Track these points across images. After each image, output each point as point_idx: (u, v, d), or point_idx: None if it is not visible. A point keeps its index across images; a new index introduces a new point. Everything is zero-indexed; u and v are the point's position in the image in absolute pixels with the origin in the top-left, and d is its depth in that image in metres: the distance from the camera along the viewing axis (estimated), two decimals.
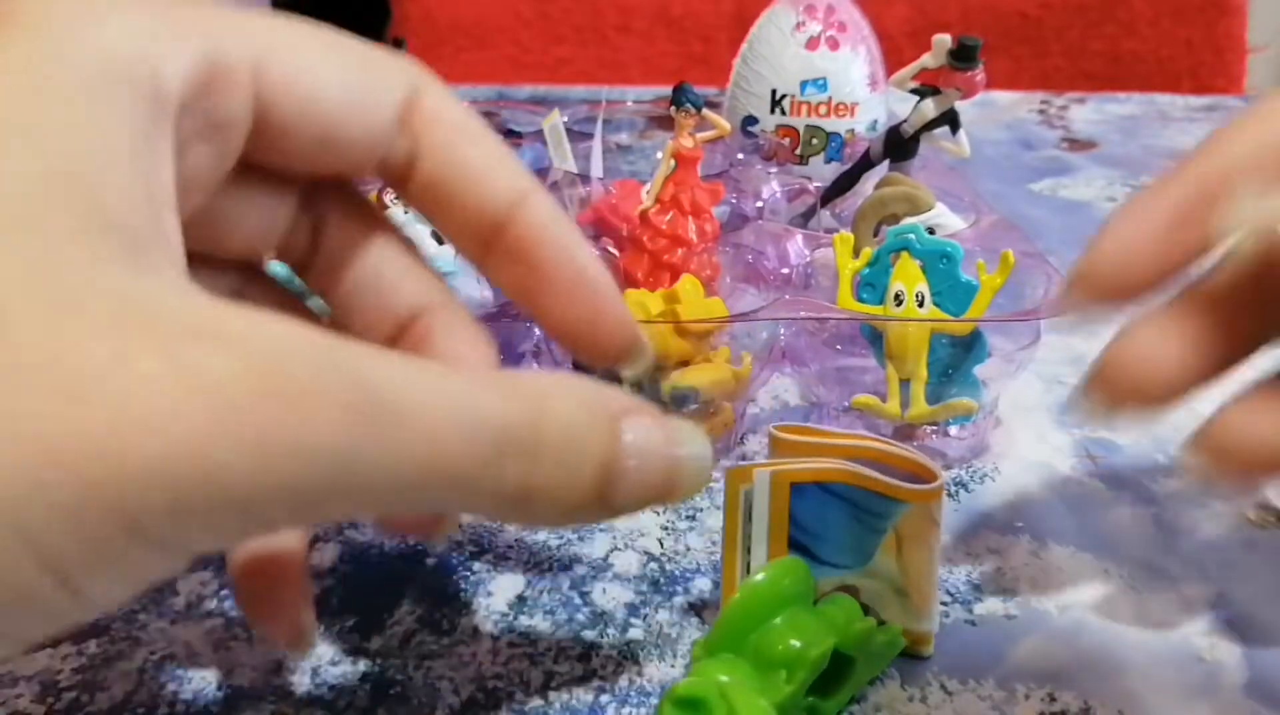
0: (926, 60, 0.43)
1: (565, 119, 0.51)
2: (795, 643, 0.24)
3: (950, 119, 0.45)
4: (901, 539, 0.26)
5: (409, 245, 0.24)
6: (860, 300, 0.36)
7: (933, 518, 0.26)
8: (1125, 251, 0.21)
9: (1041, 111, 0.80)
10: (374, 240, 0.23)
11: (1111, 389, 0.20)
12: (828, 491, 0.27)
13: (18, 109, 0.15)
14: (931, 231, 0.37)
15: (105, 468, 0.13)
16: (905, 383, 0.37)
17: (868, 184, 0.46)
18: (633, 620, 0.30)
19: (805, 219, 0.47)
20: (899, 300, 0.35)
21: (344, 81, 0.20)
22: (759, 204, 0.47)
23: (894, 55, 0.53)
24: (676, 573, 0.32)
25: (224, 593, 0.32)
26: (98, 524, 0.13)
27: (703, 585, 0.31)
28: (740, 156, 0.52)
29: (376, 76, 0.21)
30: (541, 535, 0.34)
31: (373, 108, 0.20)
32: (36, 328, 0.14)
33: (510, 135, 0.54)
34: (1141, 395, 0.20)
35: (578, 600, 0.31)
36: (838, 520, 0.26)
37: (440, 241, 0.37)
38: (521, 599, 0.31)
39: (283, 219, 0.22)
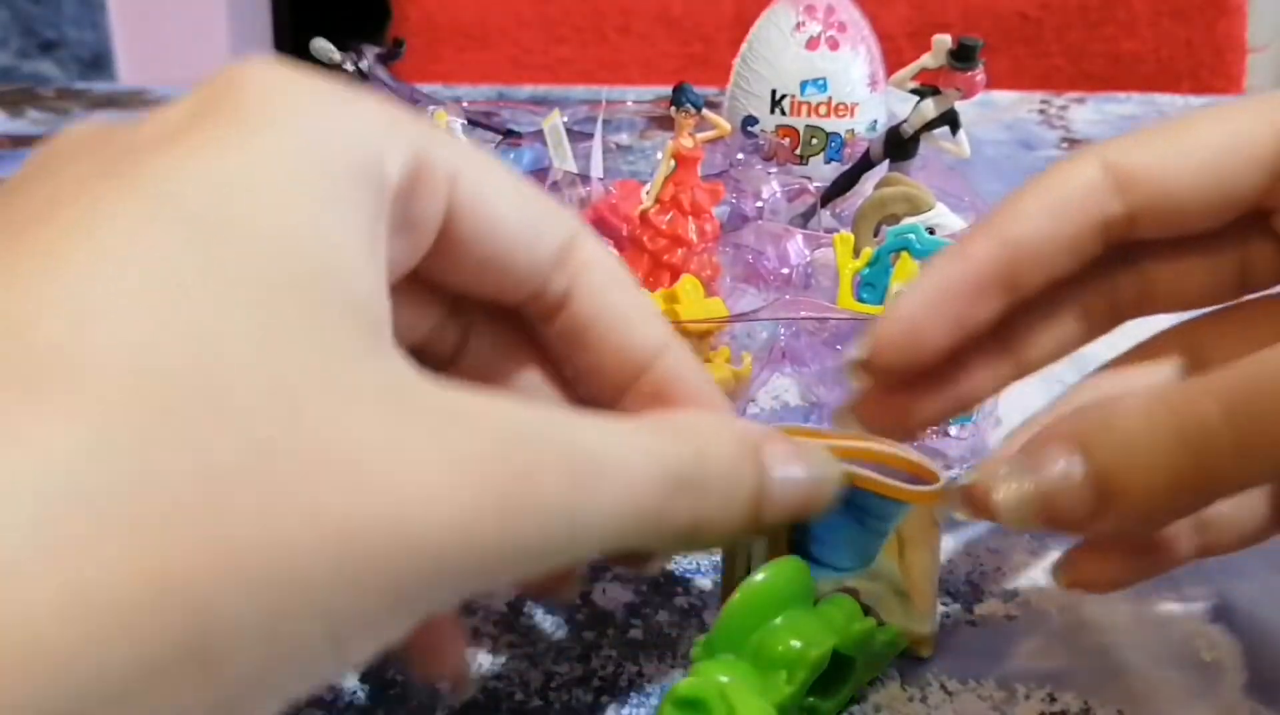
0: (926, 60, 0.43)
1: (565, 119, 0.51)
2: (795, 643, 0.24)
3: (950, 119, 0.45)
4: (903, 541, 0.26)
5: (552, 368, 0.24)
6: (860, 300, 0.36)
7: (934, 519, 0.26)
8: (908, 332, 0.23)
9: (1041, 112, 0.80)
10: (521, 355, 0.24)
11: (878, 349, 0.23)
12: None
13: (274, 203, 0.16)
14: (931, 231, 0.37)
15: (389, 546, 0.14)
16: None
17: (868, 184, 0.46)
18: (632, 621, 0.30)
19: (805, 219, 0.47)
20: None
21: (522, 209, 0.21)
22: (759, 204, 0.47)
23: (894, 55, 0.53)
24: (676, 573, 0.32)
25: None
26: (378, 598, 0.15)
27: (703, 585, 0.31)
28: (740, 156, 0.52)
29: (548, 212, 0.22)
30: None
31: (542, 240, 0.21)
32: (323, 415, 0.15)
33: (510, 135, 0.54)
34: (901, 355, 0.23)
35: (577, 601, 0.31)
36: (839, 522, 0.26)
37: None
38: (521, 599, 0.31)
39: (429, 321, 0.23)
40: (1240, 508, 0.25)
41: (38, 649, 0.12)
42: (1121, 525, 0.21)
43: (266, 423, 0.14)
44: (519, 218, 0.21)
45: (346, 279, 0.16)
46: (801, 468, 0.21)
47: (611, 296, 0.22)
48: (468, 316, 0.23)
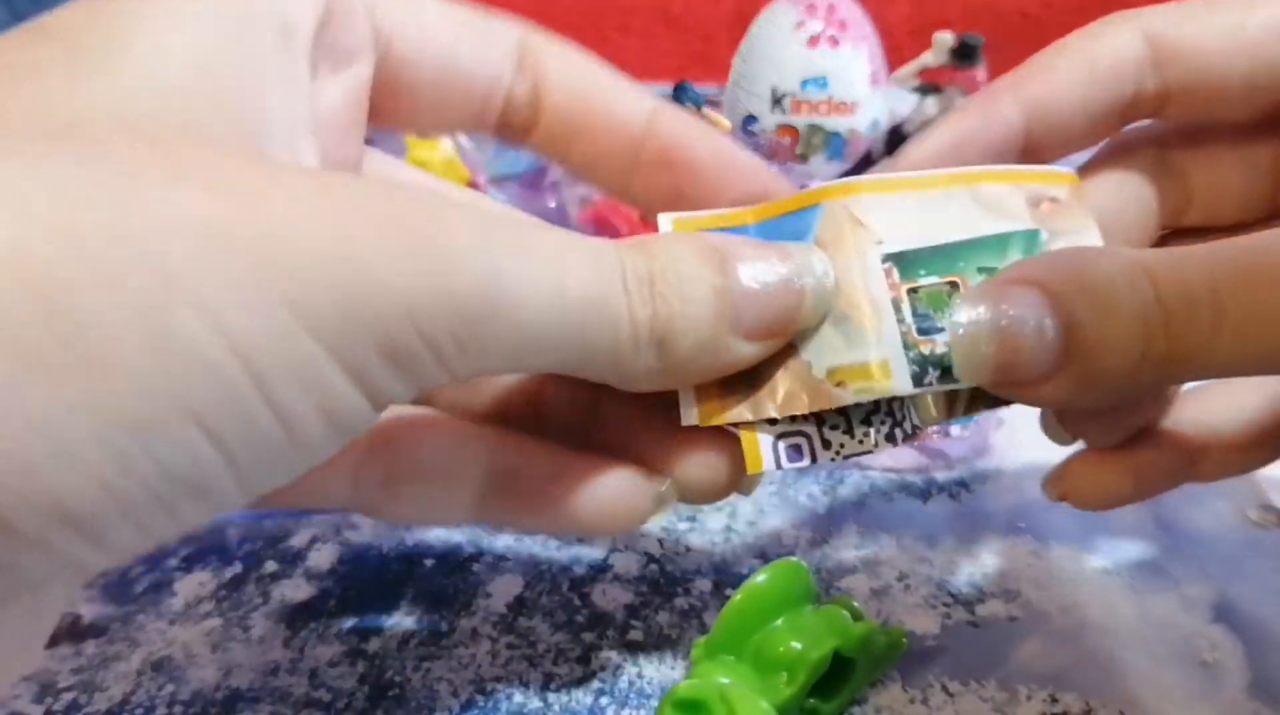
0: (928, 59, 0.43)
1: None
2: (796, 645, 0.24)
3: None
4: (825, 250, 0.21)
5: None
6: None
7: (851, 215, 0.20)
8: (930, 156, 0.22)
9: None
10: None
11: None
12: (735, 234, 0.22)
13: (172, 35, 0.16)
14: None
15: (276, 252, 0.14)
16: None
17: None
18: (632, 622, 0.30)
19: None
20: None
21: (458, 25, 0.21)
22: None
23: (895, 53, 0.53)
24: (676, 574, 0.32)
25: (223, 593, 0.31)
26: (280, 316, 0.14)
27: (703, 586, 0.31)
28: None
29: (487, 23, 0.21)
30: (539, 536, 0.34)
31: (489, 50, 0.21)
32: (203, 156, 0.15)
33: None
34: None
35: (577, 602, 0.31)
36: None
37: None
38: (521, 600, 0.31)
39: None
40: (1230, 415, 0.25)
41: None
42: (1078, 389, 0.19)
43: (119, 149, 0.15)
44: (455, 33, 0.21)
45: (241, 111, 0.17)
46: (779, 263, 0.19)
47: (579, 82, 0.22)
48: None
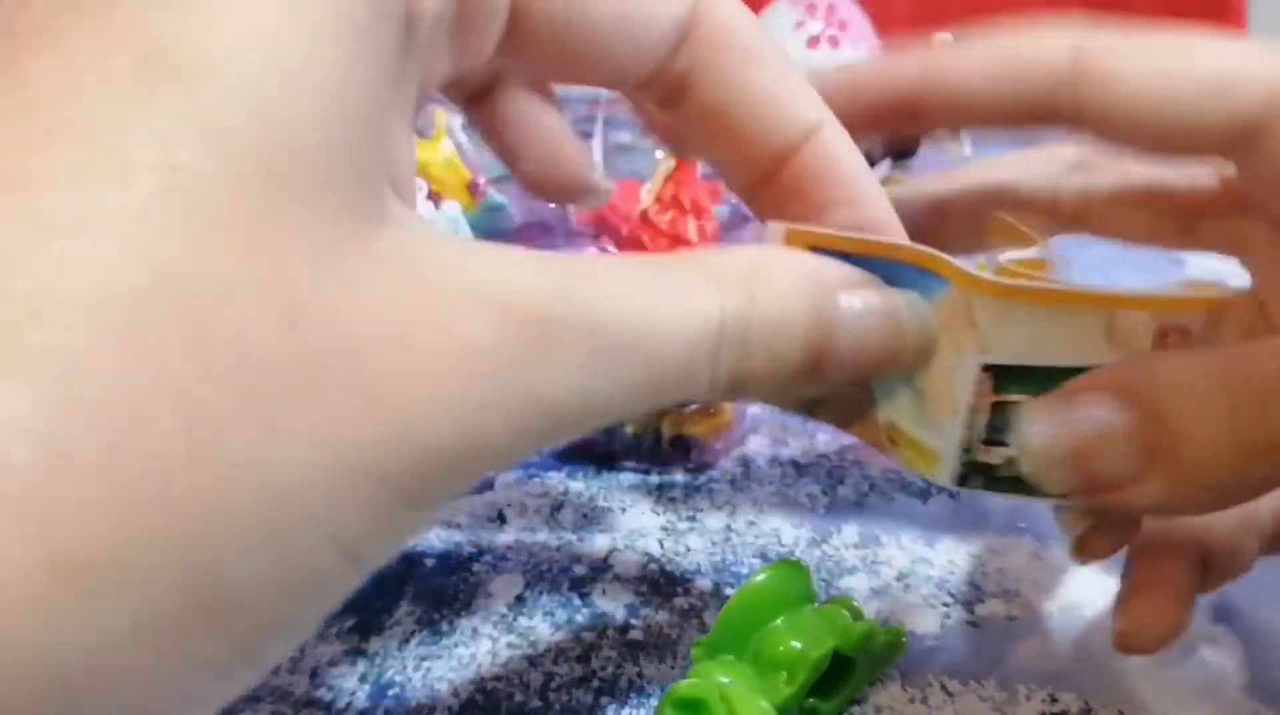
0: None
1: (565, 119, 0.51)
2: (796, 644, 0.24)
3: None
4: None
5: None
6: None
7: (970, 316, 0.19)
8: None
9: None
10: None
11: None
12: (868, 265, 0.20)
13: (284, 47, 0.13)
14: None
15: (398, 457, 0.13)
16: None
17: None
18: (632, 621, 0.30)
19: None
20: None
21: None
22: None
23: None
24: (676, 574, 0.32)
25: None
26: (388, 508, 0.14)
27: (703, 586, 0.31)
28: None
29: None
30: (540, 536, 0.34)
31: (652, 19, 0.18)
32: (324, 314, 0.13)
33: None
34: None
35: (577, 601, 0.31)
36: None
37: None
38: (521, 599, 0.31)
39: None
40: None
41: (19, 618, 0.11)
42: (1173, 488, 0.18)
43: (261, 336, 0.12)
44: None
45: (348, 137, 0.14)
46: (881, 318, 0.18)
47: (748, 75, 0.19)
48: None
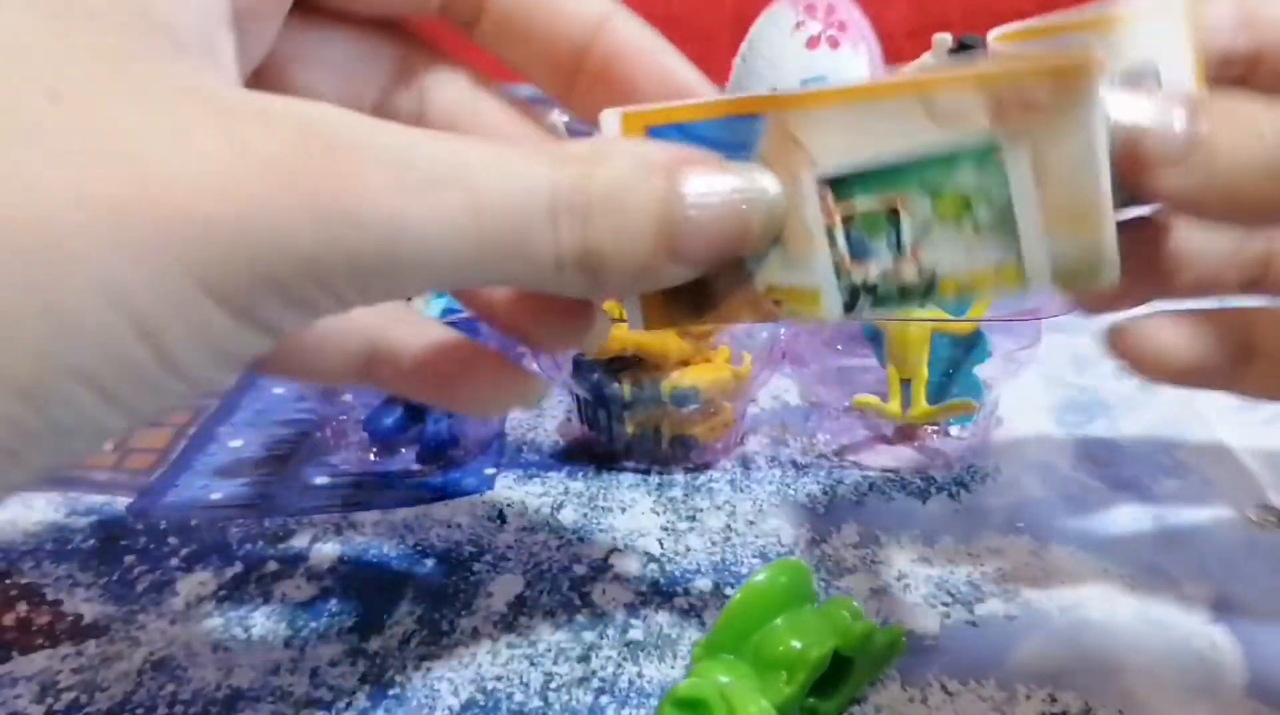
0: (927, 59, 0.43)
1: (565, 119, 0.51)
2: (795, 644, 0.24)
3: None
4: (769, 167, 0.20)
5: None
6: None
7: (792, 137, 0.19)
8: None
9: None
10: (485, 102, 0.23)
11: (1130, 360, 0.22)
12: (686, 133, 0.20)
13: None
14: None
15: (176, 226, 0.14)
16: (906, 382, 0.37)
17: None
18: (632, 621, 0.30)
19: None
20: None
21: None
22: None
23: (895, 54, 0.53)
24: (676, 573, 0.32)
25: (224, 592, 0.31)
26: (179, 283, 0.14)
27: (703, 585, 0.31)
28: None
29: None
30: (540, 535, 0.34)
31: None
32: (93, 103, 0.14)
33: None
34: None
35: (577, 601, 0.31)
36: None
37: None
38: (521, 599, 0.31)
39: (373, 70, 0.22)
40: None
41: None
42: (1205, 188, 0.18)
43: (25, 110, 0.14)
44: None
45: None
46: (727, 190, 0.18)
47: None
48: (416, 73, 0.22)
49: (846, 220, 0.19)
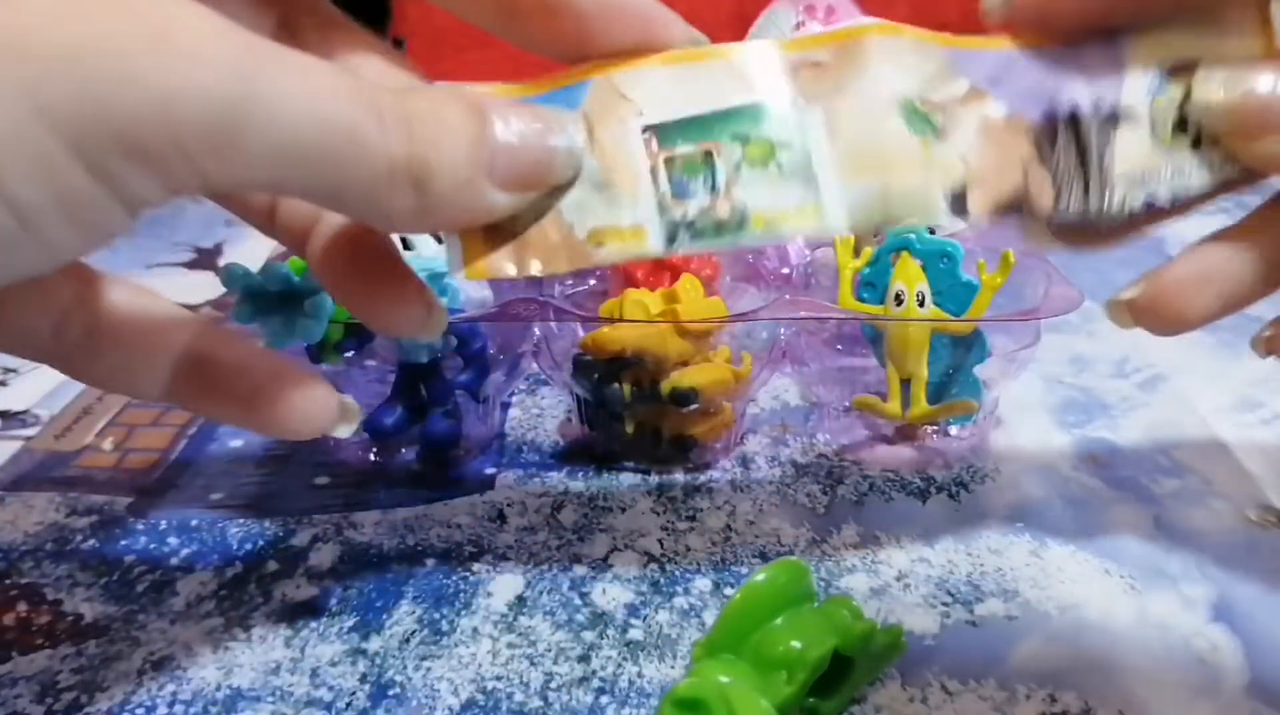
0: None
1: None
2: (796, 644, 0.24)
3: None
4: (592, 124, 0.22)
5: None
6: (860, 300, 0.36)
7: (620, 92, 0.21)
8: None
9: None
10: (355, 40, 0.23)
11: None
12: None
13: None
14: (932, 231, 0.37)
15: (56, 92, 0.14)
16: (906, 382, 0.37)
17: None
18: (632, 621, 0.30)
19: None
20: (899, 300, 0.35)
21: None
22: None
23: None
24: (676, 573, 0.32)
25: (224, 592, 0.31)
26: (50, 154, 0.14)
27: (703, 585, 0.31)
28: None
29: None
30: (540, 535, 0.34)
31: None
32: None
33: None
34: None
35: (577, 601, 0.31)
36: None
37: (440, 241, 0.37)
38: (521, 599, 0.31)
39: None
40: None
41: None
42: None
43: None
44: None
45: None
46: (539, 129, 0.20)
47: None
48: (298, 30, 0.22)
49: (669, 163, 0.21)
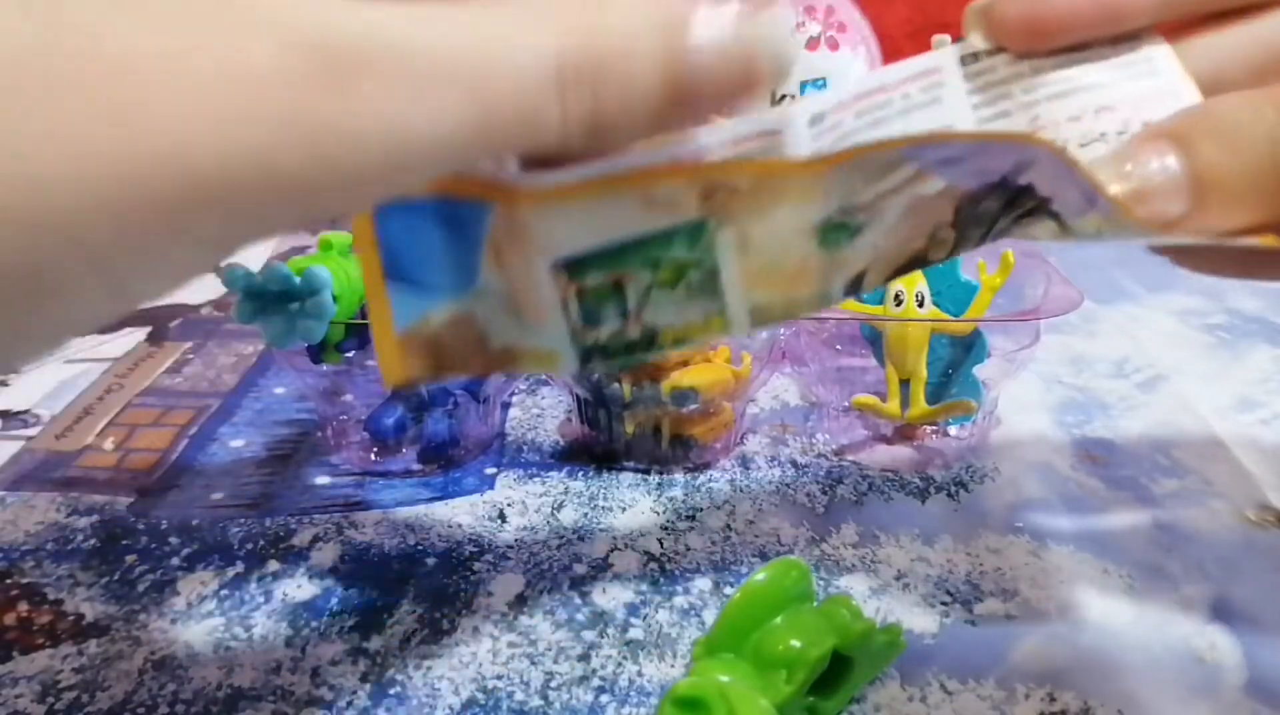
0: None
1: None
2: (795, 643, 0.24)
3: None
4: (499, 249, 0.21)
5: None
6: (860, 300, 0.36)
7: (522, 224, 0.21)
8: None
9: None
10: None
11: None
12: (411, 208, 0.22)
13: None
14: None
15: (167, 185, 0.13)
16: (905, 382, 0.37)
17: None
18: (633, 620, 0.30)
19: None
20: (899, 300, 0.35)
21: None
22: None
23: (894, 55, 0.53)
24: (676, 573, 0.32)
25: (225, 592, 0.32)
26: (157, 236, 0.14)
27: (703, 585, 0.31)
28: None
29: None
30: (540, 535, 0.34)
31: None
32: (84, 20, 0.13)
33: None
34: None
35: (578, 600, 0.31)
36: (428, 237, 0.22)
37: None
38: (521, 599, 0.31)
39: None
40: None
41: None
42: (1218, 221, 0.19)
43: (15, 37, 0.12)
44: None
45: None
46: (735, 35, 0.17)
47: None
48: None
49: (579, 294, 0.21)
